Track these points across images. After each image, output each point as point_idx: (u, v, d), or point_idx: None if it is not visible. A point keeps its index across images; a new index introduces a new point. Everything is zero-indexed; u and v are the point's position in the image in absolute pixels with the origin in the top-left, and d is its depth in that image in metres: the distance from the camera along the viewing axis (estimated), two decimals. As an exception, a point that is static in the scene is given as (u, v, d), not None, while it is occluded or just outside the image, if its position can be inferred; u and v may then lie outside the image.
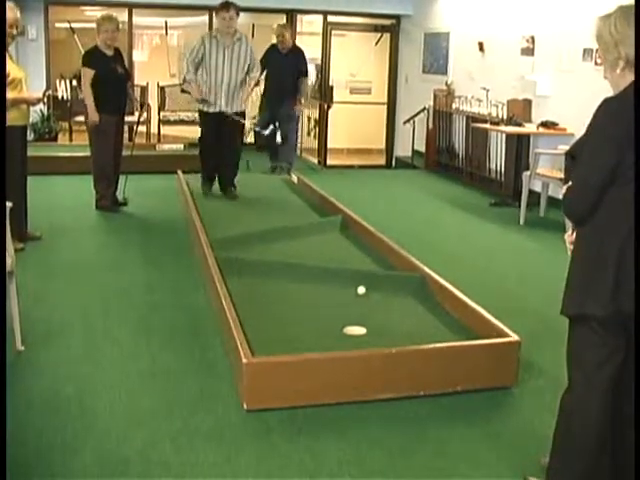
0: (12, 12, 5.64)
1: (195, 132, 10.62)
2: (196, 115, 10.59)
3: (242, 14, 11.27)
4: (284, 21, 12.76)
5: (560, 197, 2.69)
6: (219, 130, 7.93)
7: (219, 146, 8.04)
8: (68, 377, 3.89)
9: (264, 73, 9.69)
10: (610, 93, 2.58)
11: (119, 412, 3.55)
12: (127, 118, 7.98)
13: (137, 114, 9.08)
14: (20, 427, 3.30)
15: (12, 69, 5.76)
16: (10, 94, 5.63)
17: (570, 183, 2.58)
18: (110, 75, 7.28)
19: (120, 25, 7.62)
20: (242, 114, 8.06)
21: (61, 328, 4.55)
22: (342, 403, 3.63)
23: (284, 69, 9.91)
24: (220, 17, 7.76)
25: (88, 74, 7.28)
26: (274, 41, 10.26)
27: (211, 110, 7.90)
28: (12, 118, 5.66)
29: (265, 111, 10.14)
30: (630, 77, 2.47)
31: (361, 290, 5.02)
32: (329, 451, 3.27)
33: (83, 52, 7.66)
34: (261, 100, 10.50)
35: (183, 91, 10.24)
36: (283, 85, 9.90)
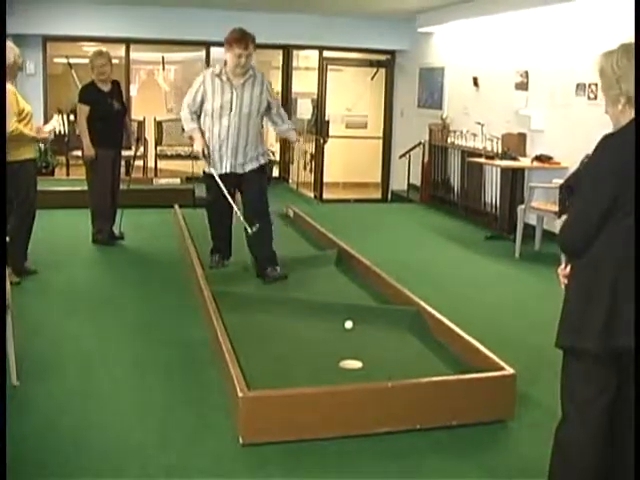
0: (13, 52, 5.79)
1: (190, 167, 10.72)
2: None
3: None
4: (281, 57, 12.88)
5: (555, 230, 2.71)
6: (243, 194, 6.16)
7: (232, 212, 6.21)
8: (63, 411, 3.88)
9: None
10: (604, 127, 2.62)
11: (114, 446, 3.54)
12: (125, 152, 8.02)
13: (133, 148, 9.14)
14: (15, 462, 3.27)
15: (24, 104, 5.92)
16: (26, 129, 5.83)
17: (566, 216, 2.60)
18: (105, 111, 7.34)
19: (117, 60, 7.71)
20: (263, 168, 6.21)
21: (56, 362, 4.54)
22: (338, 437, 3.61)
23: None
24: (234, 54, 5.79)
25: (83, 110, 7.38)
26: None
27: (219, 171, 6.01)
28: (30, 151, 5.96)
29: None
30: (630, 113, 2.50)
31: (348, 325, 5.01)
32: (325, 485, 3.26)
33: (80, 87, 7.73)
34: None
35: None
36: None
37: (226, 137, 5.93)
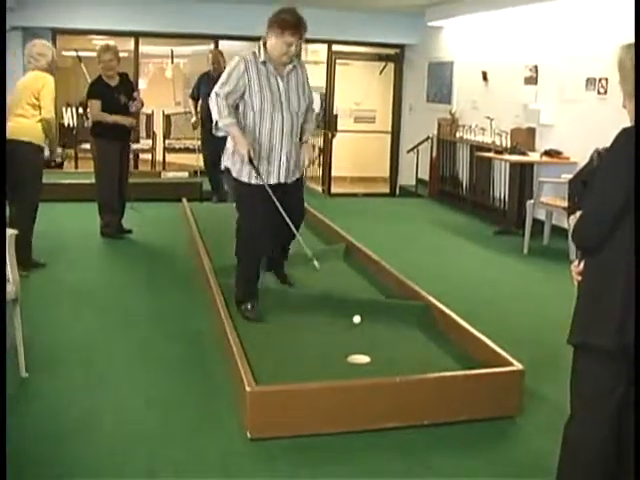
0: (50, 50, 6.05)
1: (199, 160, 10.68)
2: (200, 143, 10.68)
3: (244, 44, 11.44)
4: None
5: (564, 226, 2.69)
6: (283, 207, 4.87)
7: (277, 232, 5.09)
8: (70, 404, 3.89)
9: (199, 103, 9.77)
10: (614, 122, 2.60)
11: (120, 441, 3.54)
12: (133, 146, 8.05)
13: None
14: (20, 455, 3.28)
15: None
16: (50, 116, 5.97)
17: (581, 212, 2.58)
18: (112, 105, 7.35)
19: (126, 54, 7.74)
20: (301, 181, 5.24)
21: (64, 355, 4.55)
22: (346, 432, 3.61)
23: None
24: (283, 42, 4.75)
25: (95, 105, 7.42)
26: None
27: (261, 182, 4.83)
28: (37, 137, 5.98)
29: (207, 148, 9.74)
30: None
31: (356, 319, 4.99)
32: (332, 480, 3.26)
33: (89, 82, 7.76)
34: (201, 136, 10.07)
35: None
36: None
37: (280, 139, 4.87)
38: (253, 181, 4.85)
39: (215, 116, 4.77)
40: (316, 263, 4.92)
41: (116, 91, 7.43)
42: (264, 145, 4.86)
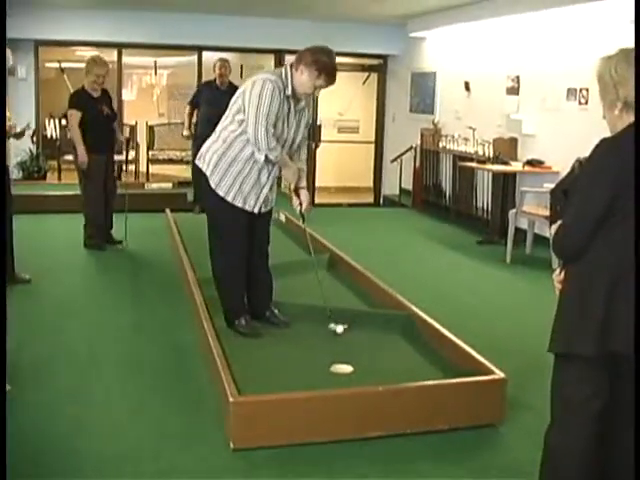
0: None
1: (183, 171, 10.68)
2: (184, 154, 10.67)
3: (230, 55, 11.46)
4: (272, 62, 12.88)
5: (546, 234, 2.72)
6: (253, 232, 4.95)
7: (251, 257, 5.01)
8: (55, 417, 3.87)
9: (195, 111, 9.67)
10: (595, 132, 2.63)
11: (106, 452, 3.53)
12: (116, 157, 8.00)
13: (124, 153, 9.04)
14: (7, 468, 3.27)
15: None
16: None
17: (561, 221, 2.60)
18: (97, 117, 7.32)
19: (110, 65, 7.69)
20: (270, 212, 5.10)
21: (49, 368, 4.53)
22: (329, 441, 3.62)
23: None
24: (314, 83, 4.65)
25: (75, 116, 7.32)
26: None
27: (247, 208, 4.79)
28: None
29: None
30: (627, 119, 2.50)
31: (339, 329, 4.99)
32: (316, 490, 3.27)
33: (71, 93, 7.71)
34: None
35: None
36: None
37: (268, 173, 4.77)
38: (238, 204, 4.76)
39: (264, 150, 4.58)
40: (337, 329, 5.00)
41: (99, 102, 7.40)
42: (255, 172, 4.72)
